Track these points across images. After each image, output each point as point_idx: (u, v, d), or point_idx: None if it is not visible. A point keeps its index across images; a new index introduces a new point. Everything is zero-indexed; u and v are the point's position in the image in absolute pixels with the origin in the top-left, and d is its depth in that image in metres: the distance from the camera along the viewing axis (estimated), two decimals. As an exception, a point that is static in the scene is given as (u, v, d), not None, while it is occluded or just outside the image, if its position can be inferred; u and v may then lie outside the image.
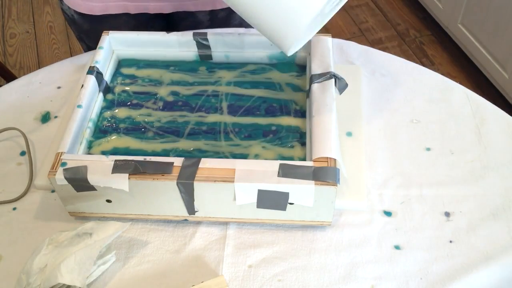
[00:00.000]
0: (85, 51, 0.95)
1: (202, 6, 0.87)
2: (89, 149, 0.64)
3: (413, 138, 0.71)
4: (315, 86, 0.64)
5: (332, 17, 0.58)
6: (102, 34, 0.72)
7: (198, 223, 0.63)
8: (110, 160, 0.57)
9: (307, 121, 0.64)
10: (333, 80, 0.64)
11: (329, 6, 0.54)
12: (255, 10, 0.53)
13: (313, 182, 0.55)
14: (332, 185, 0.55)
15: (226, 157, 0.62)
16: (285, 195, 0.56)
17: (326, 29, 2.00)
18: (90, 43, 0.92)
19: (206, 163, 0.56)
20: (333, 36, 0.72)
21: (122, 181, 0.56)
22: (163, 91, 0.70)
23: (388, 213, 0.63)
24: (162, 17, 0.90)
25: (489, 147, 0.69)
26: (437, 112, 0.74)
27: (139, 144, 0.64)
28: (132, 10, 0.84)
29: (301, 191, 0.55)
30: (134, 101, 0.69)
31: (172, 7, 0.85)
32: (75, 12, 0.86)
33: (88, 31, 0.89)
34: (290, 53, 0.56)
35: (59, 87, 0.79)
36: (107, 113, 0.68)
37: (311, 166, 0.56)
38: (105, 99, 0.69)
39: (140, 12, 0.85)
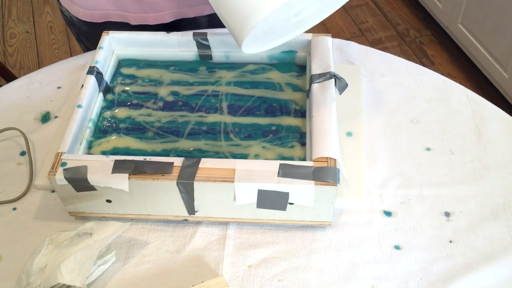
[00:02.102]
0: (84, 52, 0.95)
1: (200, 11, 0.86)
2: (89, 149, 0.64)
3: (413, 138, 0.71)
4: (315, 86, 0.64)
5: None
6: (102, 34, 0.72)
7: (198, 223, 0.63)
8: (110, 160, 0.57)
9: (307, 121, 0.64)
10: (333, 80, 0.64)
11: (291, 17, 0.55)
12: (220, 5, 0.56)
13: (313, 182, 0.55)
14: (332, 185, 0.55)
15: (226, 157, 0.62)
16: (285, 195, 0.56)
17: (326, 29, 2.00)
18: (89, 45, 0.91)
19: (206, 163, 0.56)
20: (333, 36, 0.72)
21: (122, 181, 0.56)
22: (163, 91, 0.70)
23: (388, 213, 0.63)
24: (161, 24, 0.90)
25: (489, 147, 0.69)
26: (437, 112, 0.74)
27: (139, 144, 0.64)
28: (132, 21, 0.83)
29: (301, 191, 0.55)
30: (134, 101, 0.69)
31: (172, 16, 0.85)
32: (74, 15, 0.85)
33: (86, 33, 0.88)
34: (244, 50, 0.58)
35: (59, 87, 0.79)
36: (107, 113, 0.68)
37: (311, 166, 0.56)
38: (105, 99, 0.69)
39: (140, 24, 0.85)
